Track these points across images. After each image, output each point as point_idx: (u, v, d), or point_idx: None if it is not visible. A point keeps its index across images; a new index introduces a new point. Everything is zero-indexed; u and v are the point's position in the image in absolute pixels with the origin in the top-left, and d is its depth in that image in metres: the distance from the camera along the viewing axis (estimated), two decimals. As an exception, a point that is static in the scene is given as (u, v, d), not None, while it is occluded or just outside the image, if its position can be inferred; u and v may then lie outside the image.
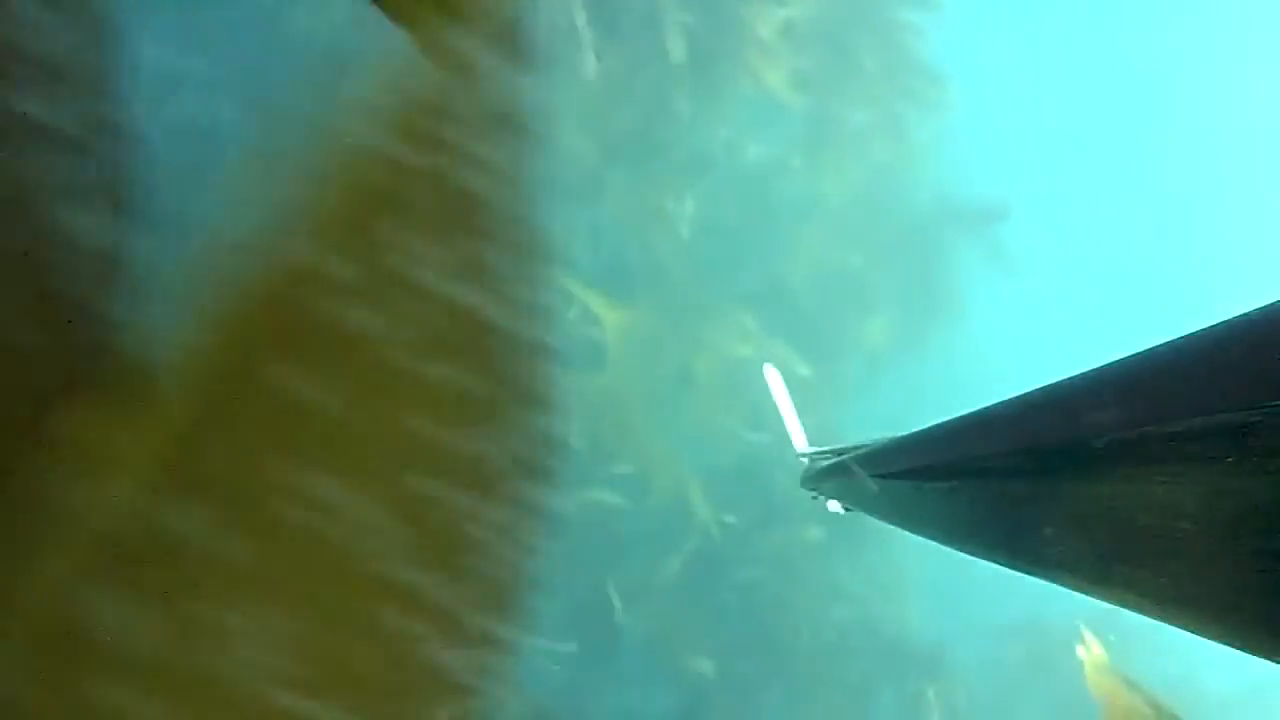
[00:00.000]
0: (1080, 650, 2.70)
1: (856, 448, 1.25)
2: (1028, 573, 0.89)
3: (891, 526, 1.25)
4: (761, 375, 1.85)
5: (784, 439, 1.68)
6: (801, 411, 1.73)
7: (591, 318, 6.13)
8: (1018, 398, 0.74)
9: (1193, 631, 0.67)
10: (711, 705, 6.24)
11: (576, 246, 6.37)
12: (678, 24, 6.12)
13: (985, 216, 8.67)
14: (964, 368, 8.73)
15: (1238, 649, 0.64)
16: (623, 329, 6.25)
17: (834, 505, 1.48)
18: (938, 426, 0.90)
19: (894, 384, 7.92)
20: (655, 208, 6.58)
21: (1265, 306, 0.51)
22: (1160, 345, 0.58)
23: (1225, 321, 0.53)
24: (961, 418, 0.84)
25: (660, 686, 6.18)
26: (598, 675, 5.91)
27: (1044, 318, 12.48)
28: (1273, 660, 0.61)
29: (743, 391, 6.36)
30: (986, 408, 0.80)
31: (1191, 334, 0.55)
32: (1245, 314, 0.51)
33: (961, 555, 1.05)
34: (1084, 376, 0.65)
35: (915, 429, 0.97)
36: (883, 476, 1.14)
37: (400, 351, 0.94)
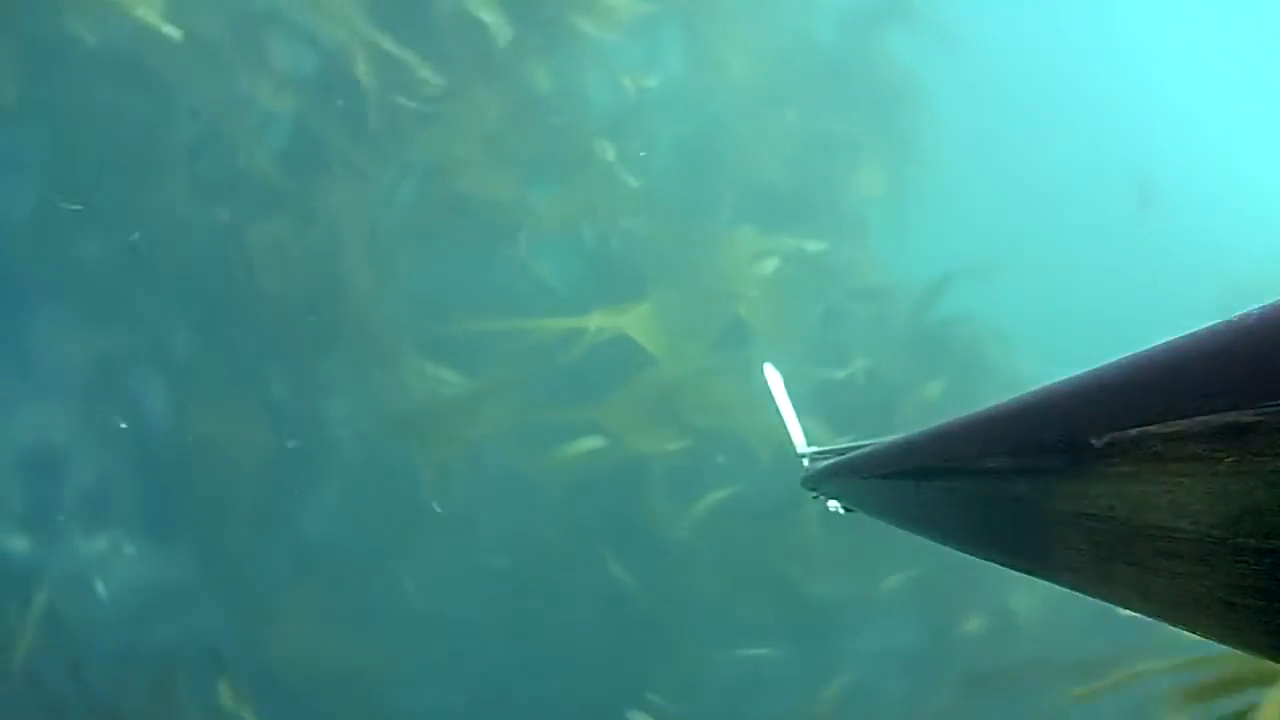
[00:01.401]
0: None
1: (857, 448, 1.25)
2: (1028, 572, 0.89)
3: (891, 526, 1.25)
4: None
5: (785, 439, 1.68)
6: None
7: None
8: (1018, 398, 0.74)
9: (1193, 631, 0.68)
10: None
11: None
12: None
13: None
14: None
15: (1238, 649, 0.64)
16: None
17: (834, 505, 1.48)
18: (937, 426, 0.90)
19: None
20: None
21: (1265, 306, 0.51)
22: (1160, 345, 0.58)
23: (1225, 321, 0.53)
24: (961, 418, 0.84)
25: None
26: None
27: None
28: (1273, 660, 0.62)
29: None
30: (987, 408, 0.80)
31: (1191, 334, 0.55)
32: (1245, 314, 0.51)
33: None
34: (1083, 376, 0.65)
35: (915, 429, 0.97)
36: (883, 476, 1.14)
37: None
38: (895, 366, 7.79)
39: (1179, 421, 0.66)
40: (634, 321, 6.94)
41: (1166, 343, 0.57)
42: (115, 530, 7.13)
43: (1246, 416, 0.62)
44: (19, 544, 6.94)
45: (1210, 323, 0.54)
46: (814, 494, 1.50)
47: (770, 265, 7.45)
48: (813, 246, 7.68)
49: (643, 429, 6.96)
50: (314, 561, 7.28)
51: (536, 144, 7.42)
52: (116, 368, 7.19)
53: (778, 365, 1.84)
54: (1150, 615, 0.71)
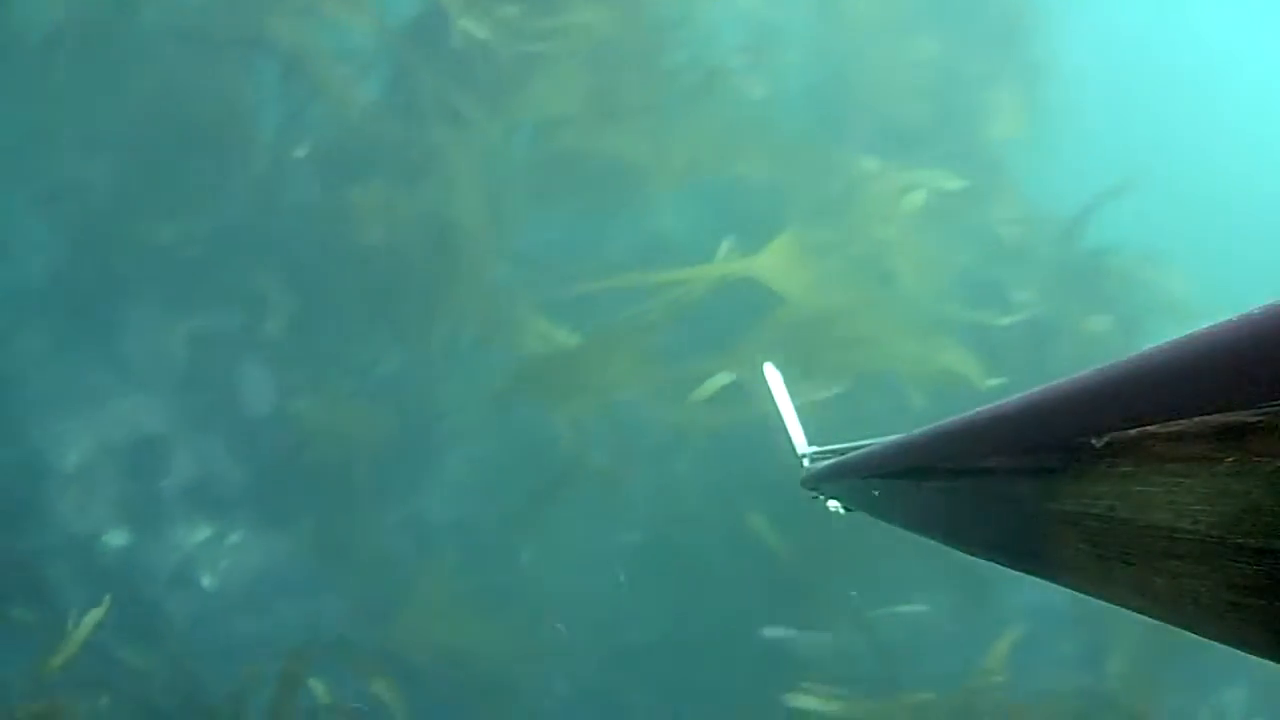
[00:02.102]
0: None
1: (857, 448, 1.25)
2: (1029, 573, 0.89)
3: (892, 526, 1.25)
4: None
5: (786, 439, 1.68)
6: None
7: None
8: (1019, 398, 0.75)
9: (1193, 631, 0.68)
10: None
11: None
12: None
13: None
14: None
15: (1238, 649, 0.64)
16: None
17: (834, 505, 1.48)
18: (938, 426, 0.90)
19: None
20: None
21: (1265, 306, 0.51)
22: (1160, 345, 0.58)
23: (1225, 321, 0.53)
24: (962, 418, 0.85)
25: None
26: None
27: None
28: (1273, 660, 0.62)
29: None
30: (987, 408, 0.80)
31: (1191, 334, 0.55)
32: (1245, 314, 0.51)
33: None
34: (1084, 377, 0.65)
35: (915, 429, 0.97)
36: (883, 476, 1.14)
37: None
38: (1050, 302, 7.38)
39: (1179, 421, 0.66)
40: (772, 264, 6.50)
41: (1166, 343, 0.57)
42: (231, 519, 6.93)
43: (1246, 416, 0.62)
44: (135, 535, 6.80)
45: (1211, 323, 0.54)
46: (814, 494, 1.50)
47: (910, 200, 7.01)
48: (951, 183, 7.23)
49: (787, 376, 6.54)
50: (441, 537, 6.94)
51: (658, 84, 7.07)
52: (220, 350, 6.97)
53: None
54: (1150, 615, 0.71)
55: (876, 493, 1.22)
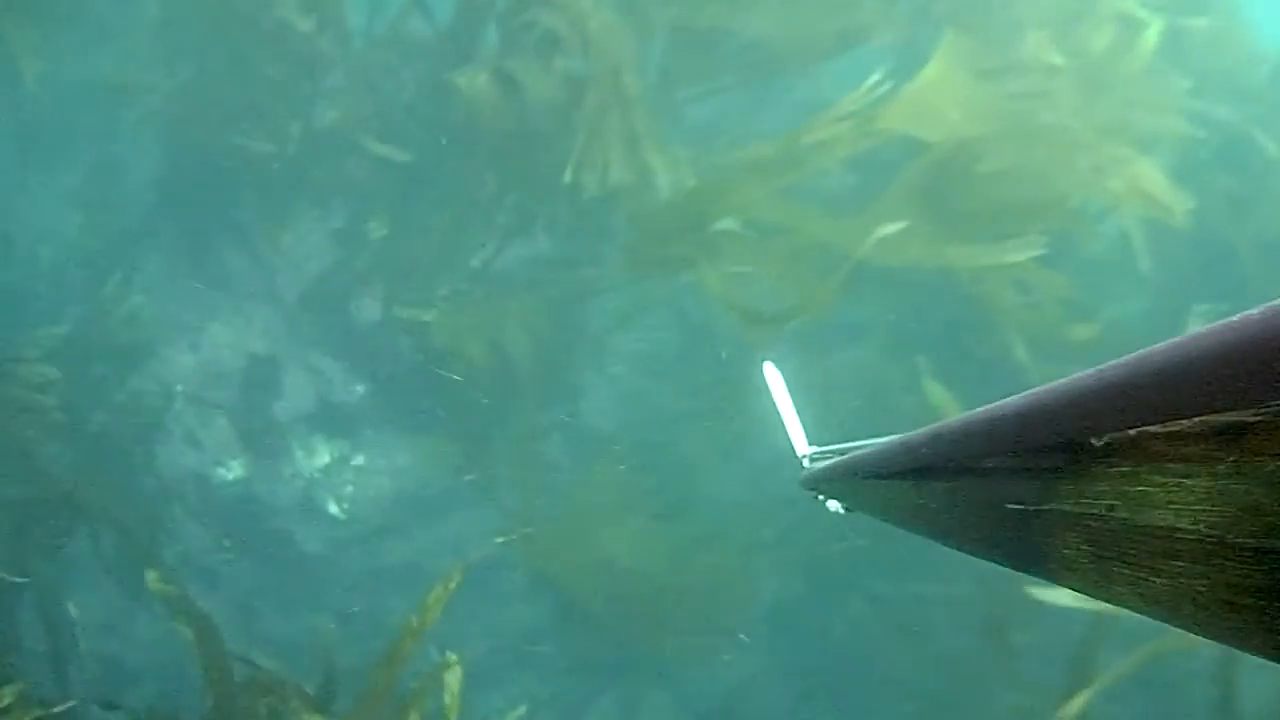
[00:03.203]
0: None
1: (857, 448, 1.25)
2: (1029, 572, 0.89)
3: (892, 526, 1.25)
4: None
5: (786, 439, 1.68)
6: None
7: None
8: (1019, 397, 0.75)
9: (1193, 631, 0.68)
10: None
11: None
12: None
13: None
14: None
15: (1238, 649, 0.64)
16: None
17: (834, 505, 1.48)
18: (938, 426, 0.90)
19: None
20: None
21: (1265, 307, 0.51)
22: (1160, 345, 0.58)
23: (1225, 321, 0.53)
24: (962, 418, 0.85)
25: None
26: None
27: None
28: (1273, 660, 0.62)
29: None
30: (987, 408, 0.80)
31: (1192, 334, 0.55)
32: (1245, 314, 0.52)
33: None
34: (1084, 377, 0.65)
35: (915, 429, 0.97)
36: (883, 477, 1.14)
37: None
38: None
39: (1179, 421, 0.66)
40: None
41: (1166, 343, 0.57)
42: (356, 438, 6.61)
43: (1246, 416, 0.62)
44: (297, 456, 6.55)
45: (1212, 323, 0.54)
46: (814, 494, 1.50)
47: (1145, 36, 6.33)
48: (1191, 20, 6.73)
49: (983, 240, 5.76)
50: (599, 444, 6.38)
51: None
52: (328, 256, 6.62)
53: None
54: (1150, 615, 0.71)
55: (876, 493, 1.22)
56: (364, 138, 6.56)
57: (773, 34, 6.42)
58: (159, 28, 6.88)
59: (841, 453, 1.35)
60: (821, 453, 1.52)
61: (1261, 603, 0.59)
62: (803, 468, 1.56)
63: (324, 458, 6.59)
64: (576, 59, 6.11)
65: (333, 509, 6.50)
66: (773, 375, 1.79)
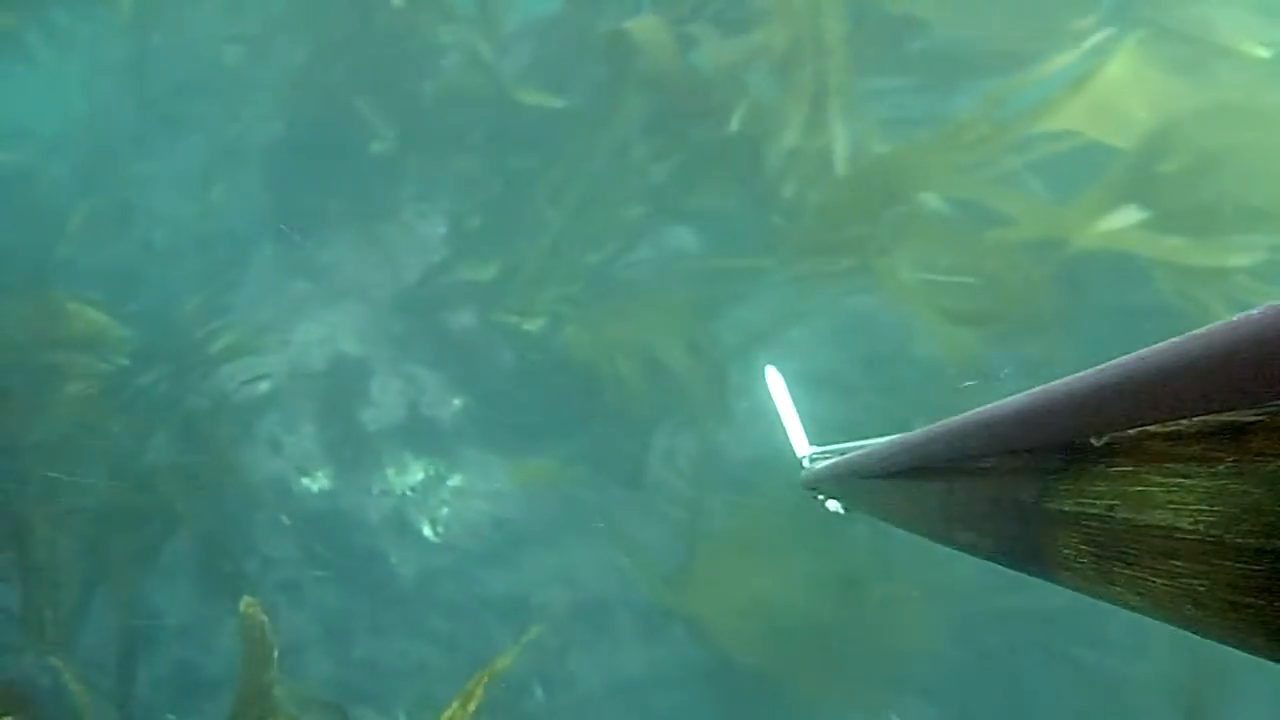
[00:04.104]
0: None
1: (857, 448, 1.26)
2: (1029, 572, 0.89)
3: (892, 526, 1.25)
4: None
5: (786, 440, 1.68)
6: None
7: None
8: (1018, 398, 0.75)
9: (1193, 631, 0.68)
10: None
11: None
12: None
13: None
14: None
15: (1238, 649, 0.64)
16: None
17: (834, 505, 1.48)
18: (938, 427, 0.90)
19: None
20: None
21: (1265, 307, 0.51)
22: (1160, 345, 0.58)
23: (1225, 321, 0.53)
24: (962, 418, 0.85)
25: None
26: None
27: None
28: (1273, 660, 0.62)
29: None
30: (987, 408, 0.80)
31: (1192, 334, 0.55)
32: (1245, 314, 0.52)
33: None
34: (1084, 377, 0.65)
35: (915, 429, 0.97)
36: (883, 477, 1.14)
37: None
38: None
39: (1179, 421, 0.66)
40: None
41: (1166, 343, 0.57)
42: (453, 456, 6.20)
43: (1246, 416, 0.62)
44: (344, 478, 6.20)
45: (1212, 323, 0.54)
46: (815, 494, 1.50)
47: None
48: None
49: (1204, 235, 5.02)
50: (732, 471, 5.65)
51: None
52: (426, 256, 6.35)
53: None
54: (1150, 615, 0.71)
55: (876, 493, 1.22)
56: (514, 90, 6.12)
57: (969, 35, 5.89)
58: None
59: (841, 453, 1.35)
60: (821, 453, 1.53)
61: (1261, 603, 0.59)
62: (803, 468, 1.57)
63: (421, 474, 6.20)
64: (760, 28, 5.55)
65: (426, 531, 6.05)
66: (773, 378, 1.79)
